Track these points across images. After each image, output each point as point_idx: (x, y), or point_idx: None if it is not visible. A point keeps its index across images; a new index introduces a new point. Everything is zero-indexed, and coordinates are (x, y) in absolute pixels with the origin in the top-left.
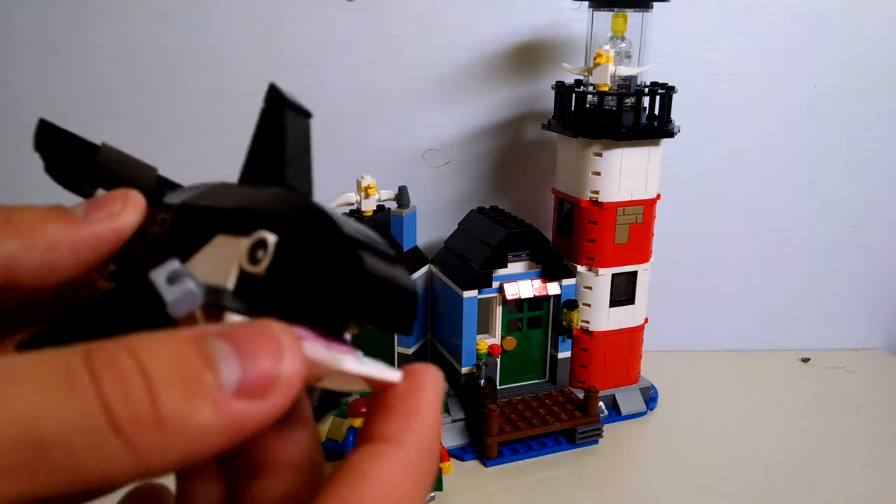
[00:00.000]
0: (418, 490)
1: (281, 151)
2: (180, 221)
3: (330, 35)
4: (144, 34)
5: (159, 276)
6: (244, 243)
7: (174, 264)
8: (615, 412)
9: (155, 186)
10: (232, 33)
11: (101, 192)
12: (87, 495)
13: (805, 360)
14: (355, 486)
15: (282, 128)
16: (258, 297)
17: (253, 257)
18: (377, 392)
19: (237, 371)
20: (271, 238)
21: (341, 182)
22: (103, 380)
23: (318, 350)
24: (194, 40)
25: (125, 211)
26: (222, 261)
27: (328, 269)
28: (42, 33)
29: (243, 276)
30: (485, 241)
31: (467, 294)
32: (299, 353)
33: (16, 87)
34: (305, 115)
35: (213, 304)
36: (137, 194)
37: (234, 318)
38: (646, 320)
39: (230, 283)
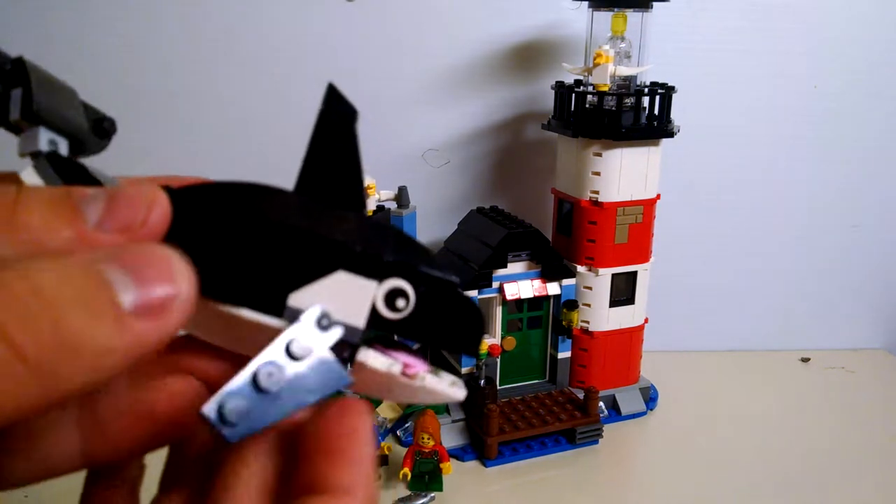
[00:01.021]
0: None
1: (356, 169)
2: (277, 240)
3: (329, 35)
4: (141, 33)
5: (309, 318)
6: (376, 288)
7: (317, 308)
8: (615, 412)
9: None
10: (231, 33)
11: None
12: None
13: (805, 360)
14: None
15: (353, 142)
16: (384, 329)
17: (392, 305)
18: (309, 432)
19: (134, 294)
20: (411, 292)
21: None
22: (1, 305)
23: (429, 378)
24: (192, 40)
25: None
26: (352, 300)
27: (459, 322)
28: (38, 33)
29: (373, 314)
30: (485, 241)
31: (467, 294)
32: (191, 274)
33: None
34: (356, 119)
35: (349, 341)
36: (163, 207)
37: (363, 357)
38: (646, 320)
39: (363, 323)
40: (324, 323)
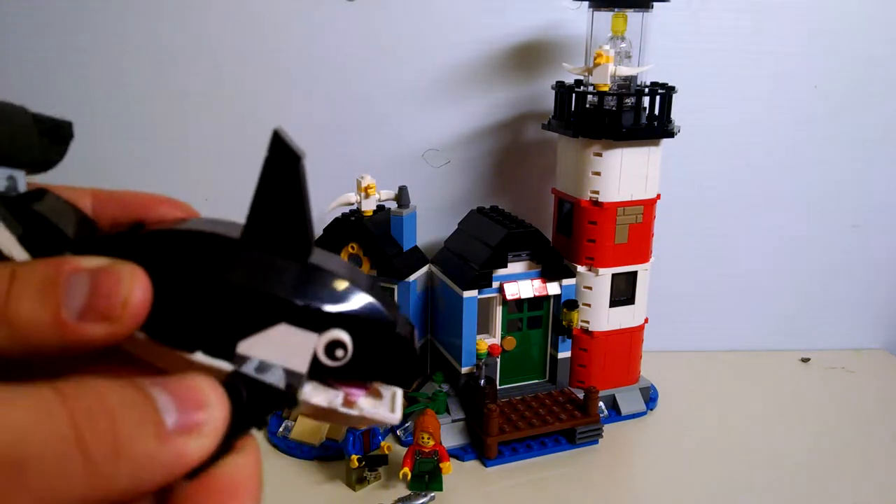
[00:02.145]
0: None
1: (302, 215)
2: (226, 297)
3: (330, 35)
4: (139, 34)
5: (249, 367)
6: (317, 340)
7: (255, 361)
8: (615, 412)
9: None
10: (231, 33)
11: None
12: None
13: (805, 360)
14: None
15: (299, 188)
16: (325, 375)
17: (331, 355)
18: (205, 482)
19: (175, 416)
20: (349, 342)
21: (341, 182)
22: (75, 410)
23: (366, 408)
24: (191, 40)
25: (124, 318)
26: (295, 350)
27: (394, 363)
28: (37, 34)
29: (314, 362)
30: (485, 241)
31: (467, 294)
32: (224, 402)
33: (11, 87)
34: (302, 164)
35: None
36: (144, 292)
37: (305, 393)
38: (646, 320)
39: (305, 370)
40: (264, 370)
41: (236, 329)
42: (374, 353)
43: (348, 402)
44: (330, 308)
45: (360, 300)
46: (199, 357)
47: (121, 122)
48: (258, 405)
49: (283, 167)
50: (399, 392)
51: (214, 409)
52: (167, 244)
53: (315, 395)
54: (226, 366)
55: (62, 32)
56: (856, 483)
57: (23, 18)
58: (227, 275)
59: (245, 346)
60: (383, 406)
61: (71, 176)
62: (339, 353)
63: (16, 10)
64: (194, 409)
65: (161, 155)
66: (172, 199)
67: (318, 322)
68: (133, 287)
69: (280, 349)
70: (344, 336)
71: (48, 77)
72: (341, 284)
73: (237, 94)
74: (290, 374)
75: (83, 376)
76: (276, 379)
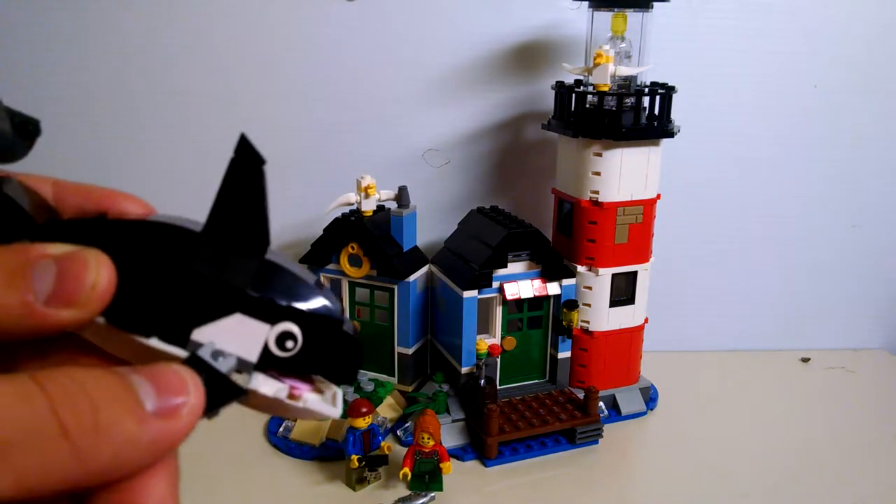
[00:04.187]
0: None
1: (261, 216)
2: (183, 284)
3: (330, 35)
4: (141, 34)
5: (205, 352)
6: (269, 331)
7: (212, 346)
8: (615, 412)
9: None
10: (231, 33)
11: None
12: None
13: (805, 360)
14: None
15: (260, 190)
16: (274, 366)
17: (282, 345)
18: None
19: (154, 401)
20: (299, 335)
21: (341, 182)
22: (53, 394)
23: (311, 401)
24: (192, 40)
25: (90, 302)
26: (247, 339)
27: (339, 357)
28: (39, 34)
29: (265, 352)
30: (485, 241)
31: (467, 294)
32: (200, 390)
33: (13, 87)
34: (263, 168)
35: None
36: (108, 278)
37: (254, 383)
38: (646, 320)
39: (255, 359)
40: (217, 357)
41: (192, 316)
42: (322, 348)
43: (293, 396)
44: (283, 302)
45: (311, 296)
46: (154, 343)
47: (122, 123)
48: (213, 391)
49: (246, 169)
50: (339, 389)
51: (191, 394)
52: (130, 232)
53: (263, 385)
54: (180, 352)
55: (64, 33)
56: (856, 483)
57: (24, 19)
58: (187, 264)
59: (199, 334)
60: (326, 401)
61: (75, 176)
62: (290, 344)
63: (17, 11)
64: (173, 394)
65: (162, 155)
66: (134, 197)
67: (271, 314)
68: (99, 273)
69: (233, 338)
70: (295, 329)
71: (50, 77)
72: (295, 280)
73: (237, 94)
74: (242, 363)
75: (60, 368)
76: (228, 367)
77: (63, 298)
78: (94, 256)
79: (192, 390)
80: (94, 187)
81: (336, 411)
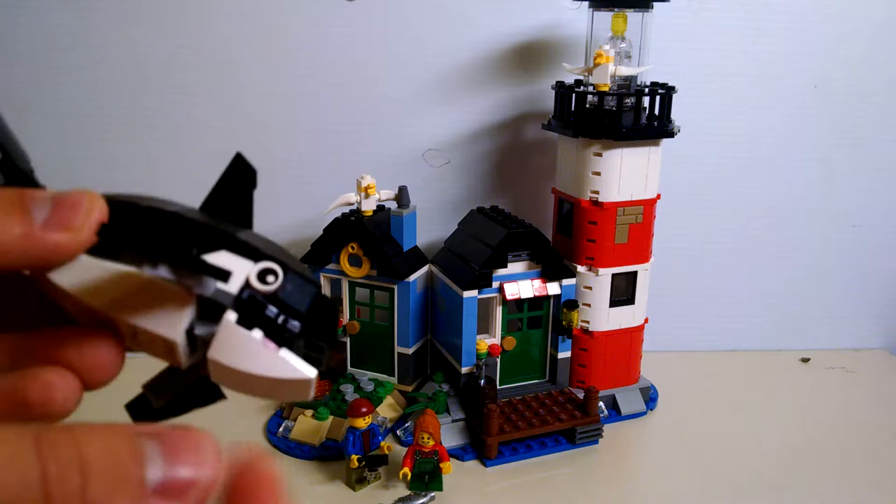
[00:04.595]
0: None
1: (248, 214)
2: (176, 224)
3: (330, 35)
4: (146, 34)
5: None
6: (252, 266)
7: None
8: (615, 412)
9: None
10: (233, 34)
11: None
12: None
13: (805, 360)
14: None
15: (249, 202)
16: (251, 305)
17: (263, 279)
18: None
19: (161, 472)
20: (280, 271)
21: (341, 182)
22: (47, 460)
23: (288, 356)
24: (195, 41)
25: (85, 227)
26: (231, 270)
27: (318, 307)
28: (43, 34)
29: (245, 287)
30: (485, 241)
31: (467, 294)
32: (218, 463)
33: (18, 87)
34: (255, 181)
35: (218, 301)
36: (101, 208)
37: (230, 315)
38: (646, 320)
39: (236, 290)
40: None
41: (178, 251)
42: (300, 296)
43: (266, 343)
44: (268, 251)
45: (293, 259)
46: (147, 270)
47: (126, 123)
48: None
49: (238, 176)
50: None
51: (206, 467)
52: (123, 196)
53: (238, 328)
54: (167, 274)
55: (67, 32)
56: (855, 483)
57: (28, 20)
58: (179, 212)
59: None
60: (298, 359)
61: (80, 177)
62: (270, 278)
63: (20, 12)
64: (184, 465)
65: (162, 155)
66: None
67: (255, 255)
68: (93, 202)
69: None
70: (276, 267)
71: (54, 78)
72: (279, 248)
73: (237, 94)
74: (223, 294)
75: (72, 427)
76: (209, 292)
77: (60, 222)
78: (88, 191)
79: (208, 461)
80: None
81: (310, 371)
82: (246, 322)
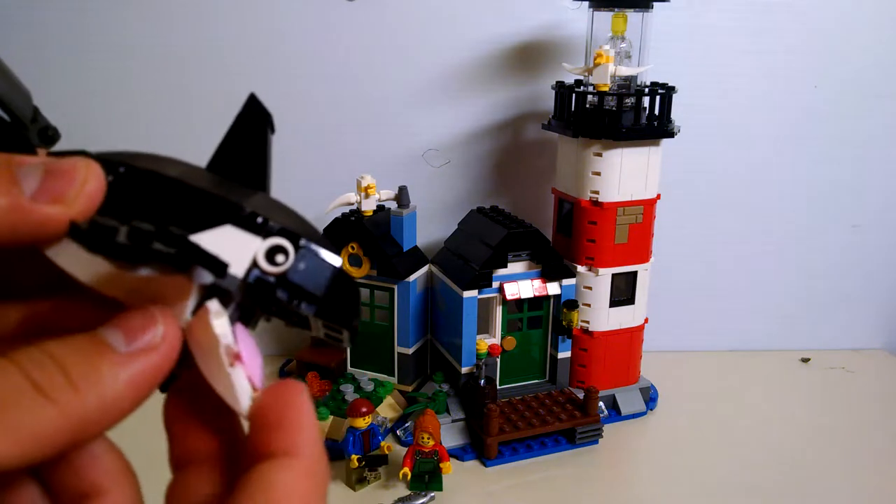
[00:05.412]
0: (321, 494)
1: (262, 165)
2: (177, 192)
3: (330, 35)
4: (143, 34)
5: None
6: (260, 243)
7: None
8: (615, 412)
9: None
10: (231, 33)
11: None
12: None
13: (805, 360)
14: (266, 493)
15: (264, 144)
16: (260, 289)
17: (272, 259)
18: (256, 412)
19: (123, 341)
20: (291, 250)
21: (341, 182)
22: (23, 363)
23: (238, 370)
24: (192, 40)
25: (79, 199)
26: (235, 250)
27: (335, 288)
28: (41, 33)
29: (252, 267)
30: (485, 241)
31: (467, 294)
32: (173, 320)
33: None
34: (272, 129)
35: (222, 287)
36: (97, 178)
37: (212, 306)
38: (646, 320)
39: (242, 273)
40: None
41: (178, 224)
42: (316, 275)
43: (236, 356)
44: (278, 225)
45: (310, 228)
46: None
47: (122, 122)
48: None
49: (253, 121)
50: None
51: (160, 325)
52: (125, 155)
53: (216, 310)
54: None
55: (66, 33)
56: (855, 483)
57: (23, 18)
58: (181, 177)
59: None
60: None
61: None
62: (280, 258)
63: (17, 11)
64: (142, 331)
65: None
66: None
67: (264, 229)
68: (89, 172)
69: (220, 245)
70: (287, 244)
71: (51, 77)
72: (295, 214)
73: (236, 94)
74: (228, 278)
75: (30, 342)
76: (208, 280)
77: (51, 193)
78: (83, 159)
79: (162, 321)
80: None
81: (245, 402)
82: (248, 309)
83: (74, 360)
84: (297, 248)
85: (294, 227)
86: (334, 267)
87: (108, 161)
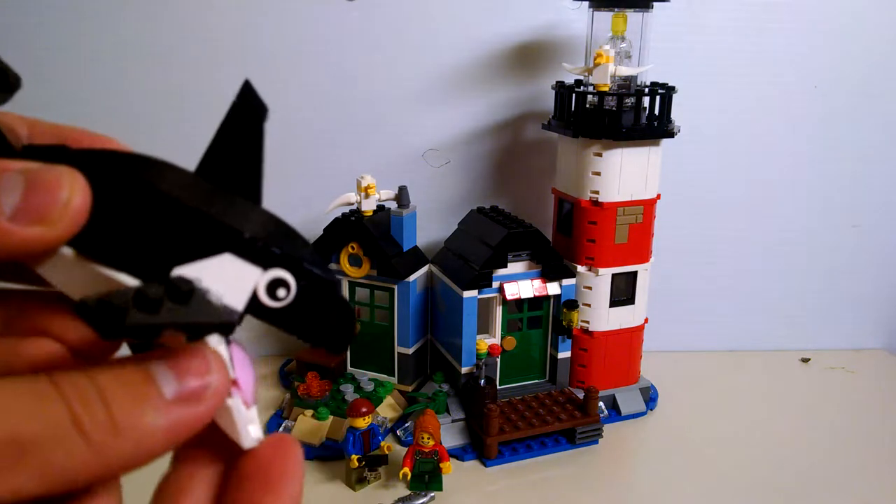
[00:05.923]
0: None
1: (257, 162)
2: (171, 214)
3: (330, 35)
4: (139, 32)
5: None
6: (260, 276)
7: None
8: (615, 412)
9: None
10: (230, 33)
11: None
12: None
13: (805, 360)
14: None
15: (259, 136)
16: (257, 313)
17: (273, 294)
18: (252, 463)
19: (174, 384)
20: (293, 284)
21: (341, 182)
22: (68, 393)
23: (236, 401)
24: (191, 39)
25: (63, 219)
26: (235, 283)
27: (332, 320)
28: (38, 33)
29: (251, 301)
30: (485, 241)
31: (467, 294)
32: (224, 369)
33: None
34: (265, 116)
35: (225, 323)
36: (83, 193)
37: (213, 340)
38: (646, 320)
39: (242, 307)
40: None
41: (175, 252)
42: (316, 306)
43: (232, 382)
44: (278, 250)
45: (308, 251)
46: (125, 278)
47: (118, 122)
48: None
49: (248, 113)
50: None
51: (213, 374)
52: (112, 160)
53: (216, 343)
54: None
55: (61, 31)
56: (856, 483)
57: (22, 17)
58: (175, 194)
59: (182, 273)
60: (249, 419)
61: None
62: (281, 292)
63: (15, 10)
64: (193, 376)
65: (159, 154)
66: (115, 140)
67: (264, 259)
68: (73, 188)
69: (220, 280)
70: (289, 277)
71: (48, 76)
72: (292, 233)
73: (235, 94)
74: (227, 311)
75: (80, 367)
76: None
77: (32, 213)
78: (67, 172)
79: (215, 369)
80: (72, 127)
81: (244, 434)
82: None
83: (120, 398)
84: (297, 274)
85: (293, 252)
86: (333, 300)
87: (92, 167)
